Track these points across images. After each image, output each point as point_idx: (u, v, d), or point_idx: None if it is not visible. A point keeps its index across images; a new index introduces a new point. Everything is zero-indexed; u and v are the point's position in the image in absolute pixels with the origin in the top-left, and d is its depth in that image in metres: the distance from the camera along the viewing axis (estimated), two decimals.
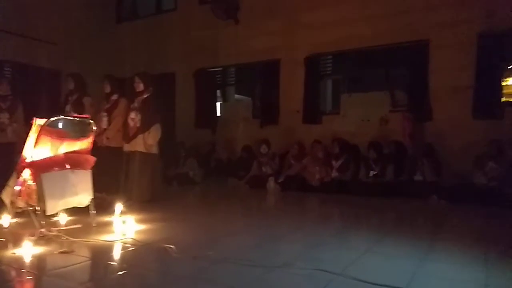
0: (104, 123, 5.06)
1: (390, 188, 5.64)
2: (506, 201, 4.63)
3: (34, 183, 3.22)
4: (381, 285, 2.16)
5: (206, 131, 8.48)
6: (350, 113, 7.09)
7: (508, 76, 6.32)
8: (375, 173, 5.90)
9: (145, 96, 4.97)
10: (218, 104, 9.12)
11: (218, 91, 9.20)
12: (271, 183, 6.46)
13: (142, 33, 9.40)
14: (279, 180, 6.50)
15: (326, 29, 7.16)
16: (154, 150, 4.97)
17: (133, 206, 4.33)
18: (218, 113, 8.97)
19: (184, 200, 5.76)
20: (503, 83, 6.07)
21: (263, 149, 6.92)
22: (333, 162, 6.30)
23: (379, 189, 5.64)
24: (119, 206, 3.61)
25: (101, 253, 2.82)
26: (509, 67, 6.31)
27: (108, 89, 5.22)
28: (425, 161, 5.56)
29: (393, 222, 4.33)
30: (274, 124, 7.72)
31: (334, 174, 6.21)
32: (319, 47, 7.28)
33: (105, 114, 5.10)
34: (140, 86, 4.96)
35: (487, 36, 5.82)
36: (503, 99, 5.98)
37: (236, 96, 10.23)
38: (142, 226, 3.56)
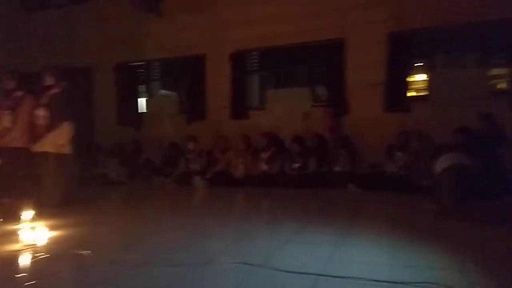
0: (7, 122, 4.60)
1: (313, 179, 5.92)
2: (413, 187, 5.08)
3: None
4: (299, 273, 2.25)
5: (130, 128, 8.12)
6: (275, 108, 7.26)
7: (415, 73, 6.95)
8: (298, 165, 6.13)
9: (55, 91, 4.60)
10: (141, 100, 8.78)
11: (141, 87, 8.85)
12: (197, 180, 6.39)
13: (55, 24, 8.67)
14: (207, 176, 6.46)
15: (251, 26, 7.20)
16: (67, 150, 4.64)
17: (44, 211, 4.00)
18: (143, 110, 8.64)
19: (103, 202, 5.42)
20: (411, 79, 6.67)
21: (190, 145, 6.82)
22: (262, 154, 6.41)
23: (302, 181, 5.89)
24: (28, 212, 3.33)
25: (6, 265, 2.58)
26: (416, 64, 6.94)
27: (10, 85, 4.77)
28: (343, 153, 5.91)
29: (314, 211, 4.53)
30: (201, 120, 7.64)
31: (263, 166, 6.33)
32: (245, 44, 7.32)
33: (7, 112, 4.64)
34: (49, 81, 4.60)
35: (396, 36, 6.32)
36: (410, 94, 6.58)
37: (162, 91, 9.93)
38: (55, 233, 3.31)
